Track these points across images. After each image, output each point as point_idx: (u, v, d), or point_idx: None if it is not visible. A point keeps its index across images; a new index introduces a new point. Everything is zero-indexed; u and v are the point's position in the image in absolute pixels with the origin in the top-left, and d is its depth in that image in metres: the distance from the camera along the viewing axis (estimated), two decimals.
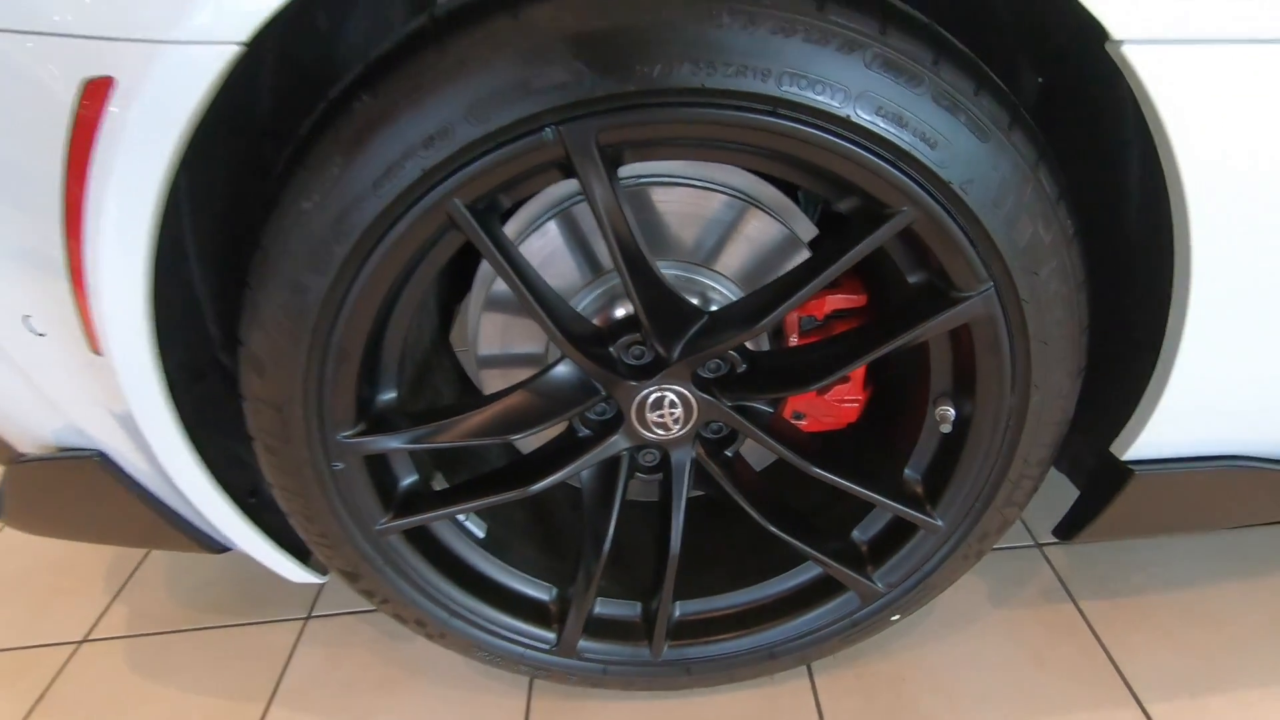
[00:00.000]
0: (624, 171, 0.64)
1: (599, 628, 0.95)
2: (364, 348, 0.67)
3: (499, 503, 0.82)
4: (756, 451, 0.90)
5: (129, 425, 0.73)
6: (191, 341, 0.73)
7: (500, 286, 0.82)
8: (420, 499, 0.84)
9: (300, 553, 0.91)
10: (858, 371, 0.85)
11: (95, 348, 0.64)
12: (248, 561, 1.13)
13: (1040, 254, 0.63)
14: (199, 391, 0.74)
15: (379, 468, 0.79)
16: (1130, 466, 0.80)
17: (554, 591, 0.95)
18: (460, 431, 0.75)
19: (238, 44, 0.50)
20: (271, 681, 1.11)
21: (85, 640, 1.22)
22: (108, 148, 0.53)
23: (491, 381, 0.91)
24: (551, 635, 0.93)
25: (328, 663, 1.14)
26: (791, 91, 0.54)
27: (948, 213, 0.60)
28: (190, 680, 1.14)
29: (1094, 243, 0.71)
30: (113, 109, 0.51)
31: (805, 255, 0.81)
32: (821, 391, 0.87)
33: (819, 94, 0.54)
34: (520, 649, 0.93)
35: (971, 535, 0.84)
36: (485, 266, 0.81)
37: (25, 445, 0.85)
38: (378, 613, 1.14)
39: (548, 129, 0.55)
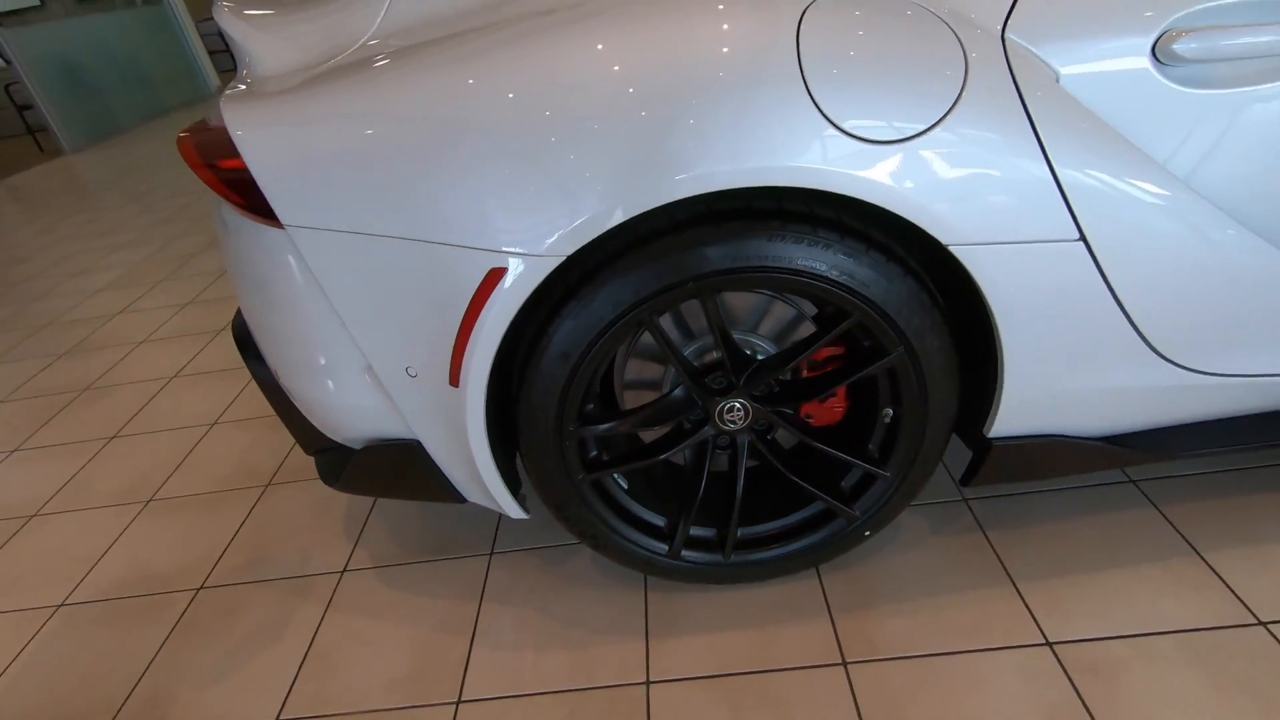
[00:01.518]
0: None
1: (692, 543, 1.42)
2: (586, 383, 1.25)
3: (643, 466, 1.36)
4: (786, 435, 1.46)
5: (446, 427, 1.27)
6: (492, 385, 1.25)
7: (643, 340, 1.39)
8: (599, 463, 1.35)
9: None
10: (841, 391, 1.39)
11: (455, 384, 1.23)
12: (445, 513, 1.71)
13: (925, 334, 1.18)
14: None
15: (580, 444, 1.34)
16: (991, 440, 1.29)
17: (665, 520, 1.43)
18: (630, 424, 1.31)
19: (564, 256, 1.09)
20: (478, 590, 1.61)
21: (345, 570, 1.73)
22: (495, 298, 1.09)
23: (628, 395, 1.45)
24: (665, 547, 1.41)
25: (512, 578, 1.62)
26: (805, 265, 1.11)
27: (876, 314, 1.16)
28: (424, 592, 1.62)
29: (964, 325, 1.28)
30: (502, 283, 1.09)
31: (808, 324, 1.40)
32: (822, 401, 1.42)
33: (816, 266, 1.11)
34: (646, 554, 1.41)
35: (906, 482, 1.35)
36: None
37: (344, 437, 1.36)
38: (537, 549, 1.72)
39: (690, 283, 1.12)
